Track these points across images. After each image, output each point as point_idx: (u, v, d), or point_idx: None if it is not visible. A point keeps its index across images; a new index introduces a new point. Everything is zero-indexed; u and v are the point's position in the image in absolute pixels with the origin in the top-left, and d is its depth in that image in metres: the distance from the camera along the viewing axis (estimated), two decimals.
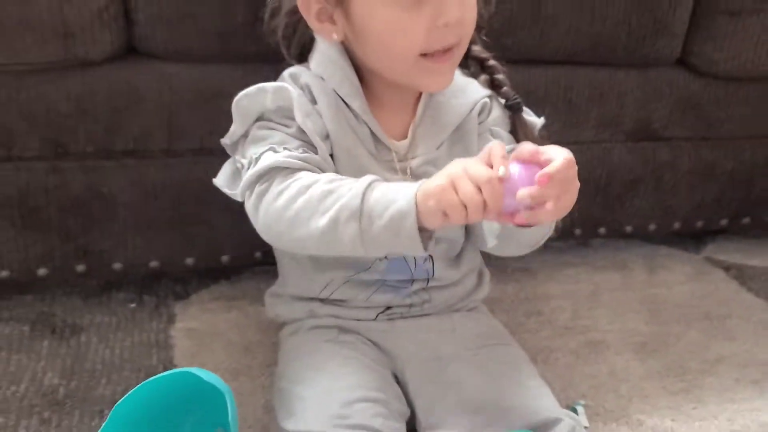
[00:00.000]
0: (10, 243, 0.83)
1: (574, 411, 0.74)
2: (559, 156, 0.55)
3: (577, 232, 1.07)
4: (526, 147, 0.56)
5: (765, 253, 1.17)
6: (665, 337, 0.93)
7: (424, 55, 0.64)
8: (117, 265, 0.89)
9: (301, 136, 0.66)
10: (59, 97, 0.78)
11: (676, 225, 1.12)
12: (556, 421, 0.64)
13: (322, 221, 0.59)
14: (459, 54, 0.66)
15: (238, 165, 0.68)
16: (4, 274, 0.85)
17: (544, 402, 0.67)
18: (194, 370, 0.62)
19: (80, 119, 0.80)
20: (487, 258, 0.84)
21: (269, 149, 0.64)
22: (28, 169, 0.81)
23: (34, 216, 0.83)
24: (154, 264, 0.90)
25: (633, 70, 0.97)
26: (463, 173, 0.55)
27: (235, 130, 0.69)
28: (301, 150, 0.65)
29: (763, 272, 1.11)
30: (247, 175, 0.64)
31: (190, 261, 0.91)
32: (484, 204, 0.54)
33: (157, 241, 0.88)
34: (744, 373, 0.87)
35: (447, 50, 0.64)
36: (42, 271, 0.86)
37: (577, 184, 0.57)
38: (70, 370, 0.78)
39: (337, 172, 0.67)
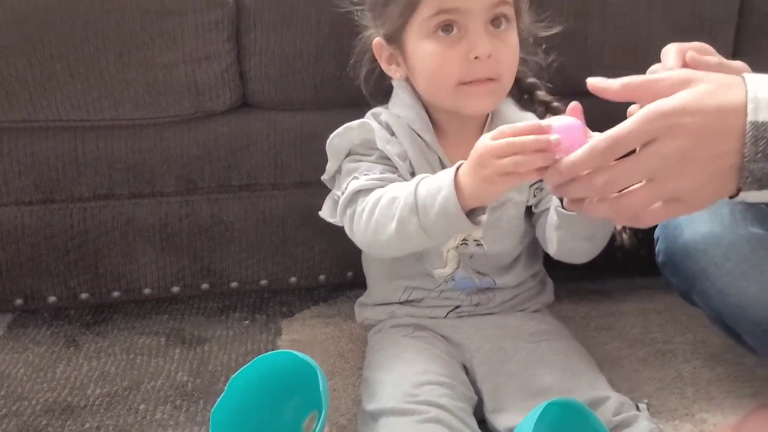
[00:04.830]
0: (151, 264, 0.97)
1: (637, 409, 0.73)
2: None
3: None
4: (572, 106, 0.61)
5: None
6: (739, 348, 0.88)
7: (463, 84, 0.73)
8: (234, 284, 1.00)
9: (383, 161, 0.77)
10: (190, 142, 0.91)
11: None
12: (605, 399, 0.69)
13: (393, 224, 0.69)
14: (498, 86, 0.75)
15: (335, 197, 0.79)
16: (147, 291, 0.99)
17: (597, 385, 0.72)
18: (293, 352, 0.70)
19: (206, 160, 0.92)
20: (562, 280, 0.89)
21: (353, 178, 0.76)
22: (167, 202, 0.94)
23: (170, 241, 0.96)
24: (263, 282, 1.01)
25: None
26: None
27: (330, 166, 0.81)
28: (379, 172, 0.75)
29: None
30: (340, 203, 0.76)
31: (293, 280, 1.02)
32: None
33: (266, 262, 0.99)
34: None
35: (484, 81, 0.73)
36: (175, 289, 0.99)
37: None
38: (197, 370, 0.88)
39: None
